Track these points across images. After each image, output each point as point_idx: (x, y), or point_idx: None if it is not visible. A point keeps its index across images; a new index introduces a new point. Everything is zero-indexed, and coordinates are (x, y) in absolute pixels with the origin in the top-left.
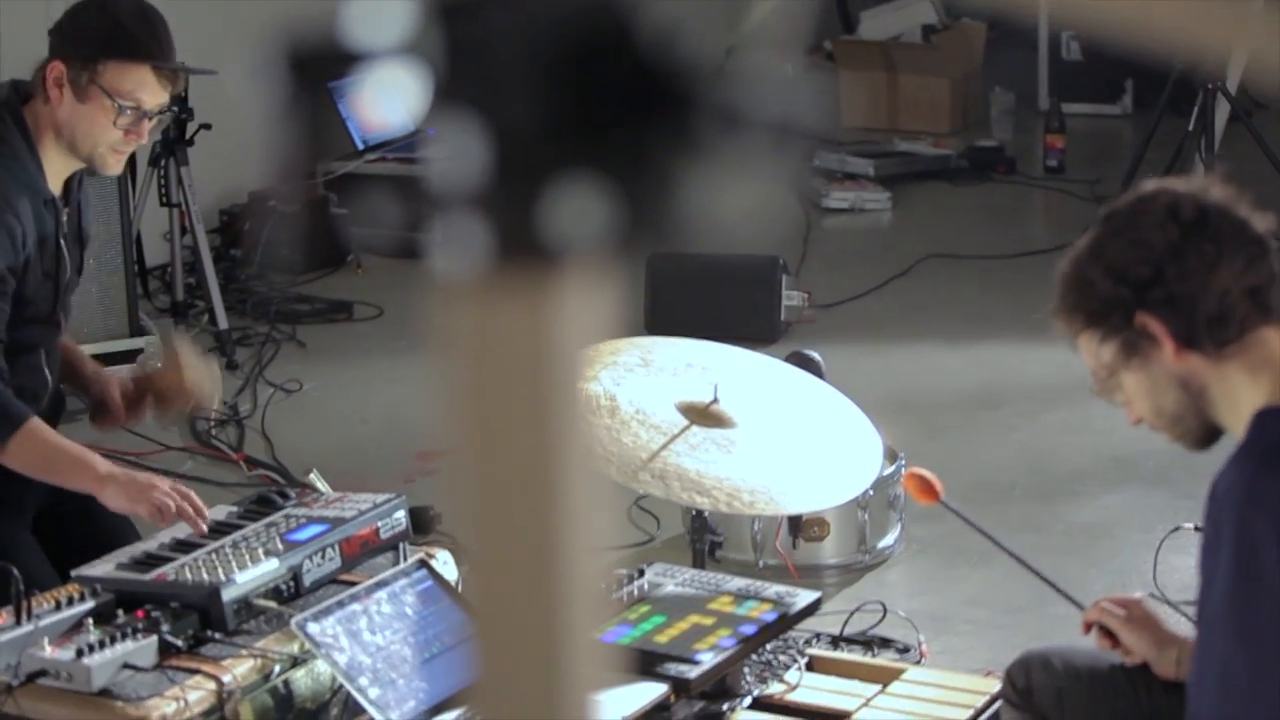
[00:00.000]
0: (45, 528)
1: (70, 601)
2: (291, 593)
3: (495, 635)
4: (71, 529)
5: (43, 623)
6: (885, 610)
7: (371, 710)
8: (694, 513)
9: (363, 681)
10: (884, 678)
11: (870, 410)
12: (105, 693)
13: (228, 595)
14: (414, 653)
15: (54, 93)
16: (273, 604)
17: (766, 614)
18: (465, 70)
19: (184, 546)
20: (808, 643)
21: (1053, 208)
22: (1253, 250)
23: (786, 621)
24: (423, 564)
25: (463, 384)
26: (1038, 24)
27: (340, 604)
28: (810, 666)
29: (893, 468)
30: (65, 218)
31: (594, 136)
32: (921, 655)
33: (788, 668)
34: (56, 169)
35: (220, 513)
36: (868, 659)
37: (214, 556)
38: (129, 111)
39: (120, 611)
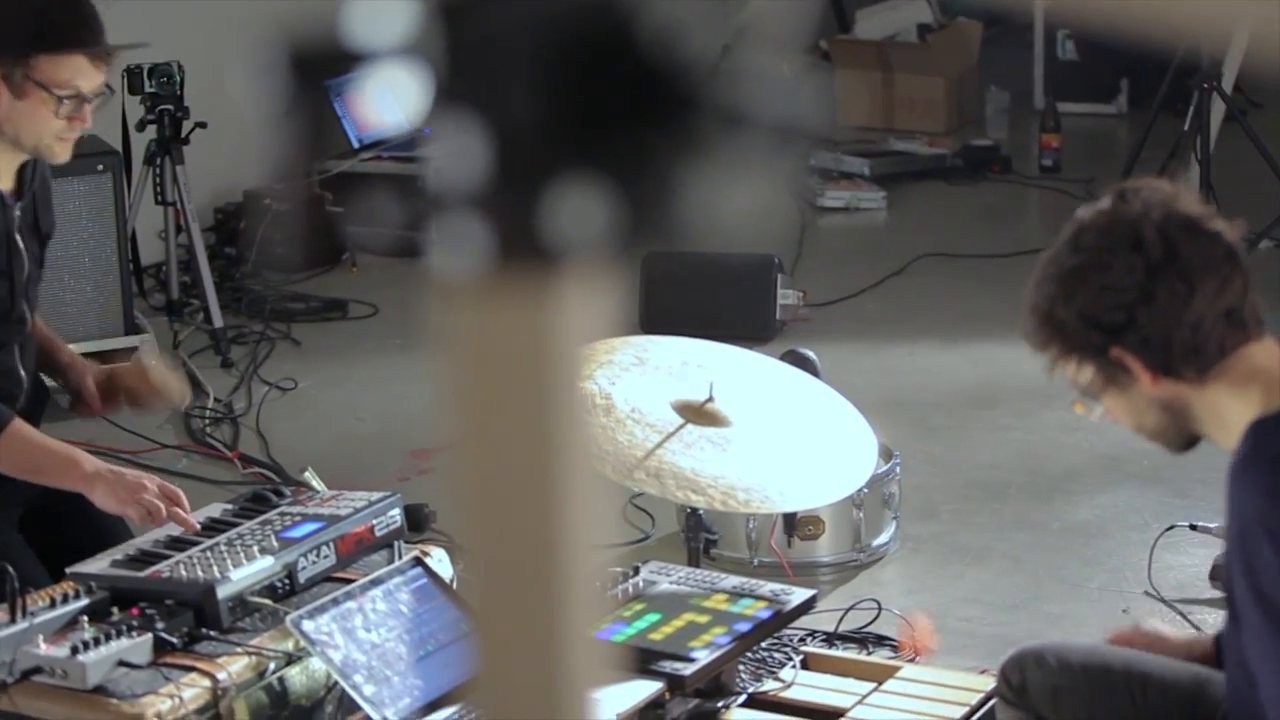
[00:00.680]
0: (38, 527)
1: (65, 599)
2: (286, 590)
3: (494, 632)
4: (64, 528)
5: (37, 620)
6: (880, 608)
7: (366, 707)
8: (689, 511)
9: (358, 679)
10: (879, 675)
11: (865, 409)
12: (100, 690)
13: (223, 593)
14: (409, 650)
15: None
16: (268, 601)
17: (761, 612)
18: (466, 70)
19: (179, 544)
20: (802, 640)
21: (1048, 207)
22: (1224, 271)
23: (781, 619)
24: (418, 562)
25: (462, 383)
26: (1033, 22)
27: (335, 601)
28: (805, 664)
29: (887, 466)
30: (19, 212)
31: (594, 136)
32: (916, 653)
33: (782, 665)
34: (2, 164)
35: (215, 510)
36: (863, 657)
37: (209, 554)
38: (69, 101)
39: (115, 609)
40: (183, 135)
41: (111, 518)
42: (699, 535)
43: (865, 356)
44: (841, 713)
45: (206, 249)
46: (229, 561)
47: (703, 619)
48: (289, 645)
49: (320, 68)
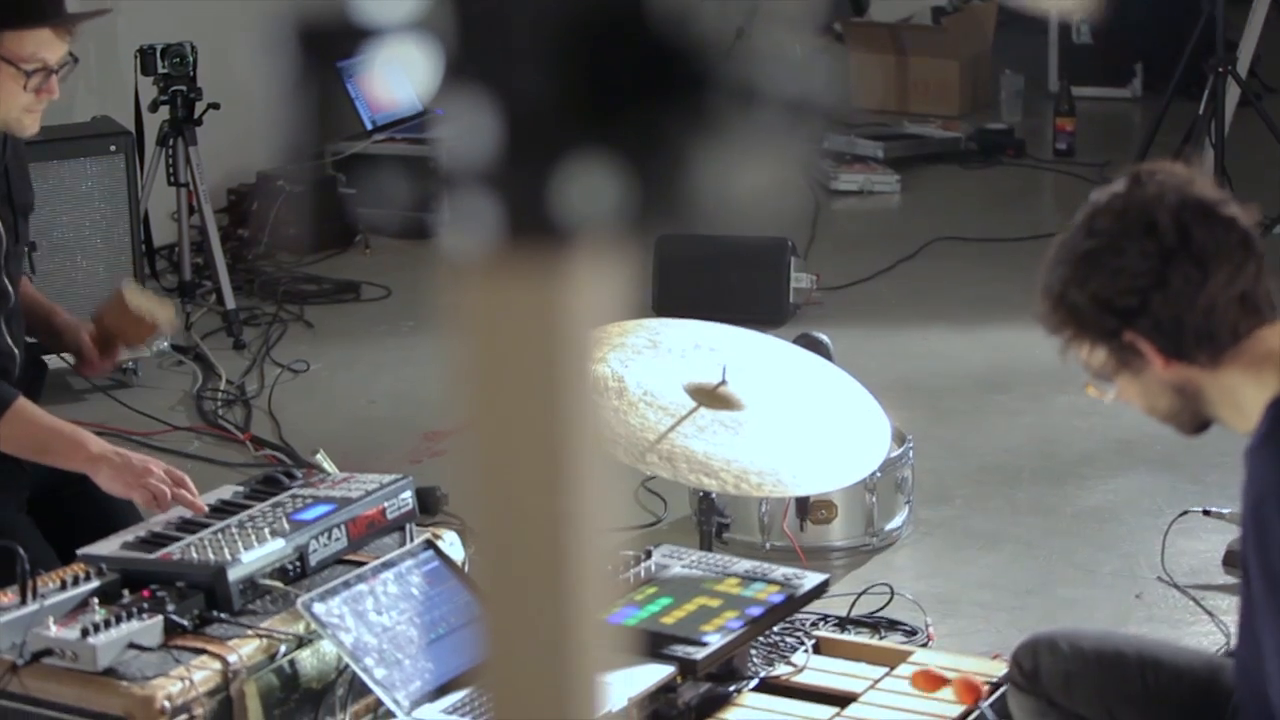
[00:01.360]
0: (47, 510)
1: (75, 581)
2: (297, 573)
3: (504, 616)
4: (73, 511)
5: (48, 602)
6: (892, 593)
7: (377, 690)
8: (701, 494)
9: (369, 662)
10: (891, 660)
11: (878, 393)
12: (110, 672)
13: (233, 575)
14: (420, 633)
15: None
16: (279, 584)
17: (774, 596)
18: (477, 46)
19: (189, 526)
20: (815, 625)
21: (1062, 191)
22: (1238, 256)
23: (794, 603)
24: (429, 544)
25: (473, 363)
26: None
27: (346, 584)
28: (817, 649)
29: (900, 450)
30: None
31: (606, 113)
32: (928, 638)
33: (795, 650)
34: None
35: (226, 492)
36: (875, 641)
37: (220, 536)
38: (36, 74)
39: (125, 591)
40: (195, 116)
41: (121, 500)
42: (711, 519)
43: (878, 340)
44: (854, 697)
45: (219, 230)
46: (240, 544)
47: (715, 603)
48: (300, 628)
49: (331, 45)
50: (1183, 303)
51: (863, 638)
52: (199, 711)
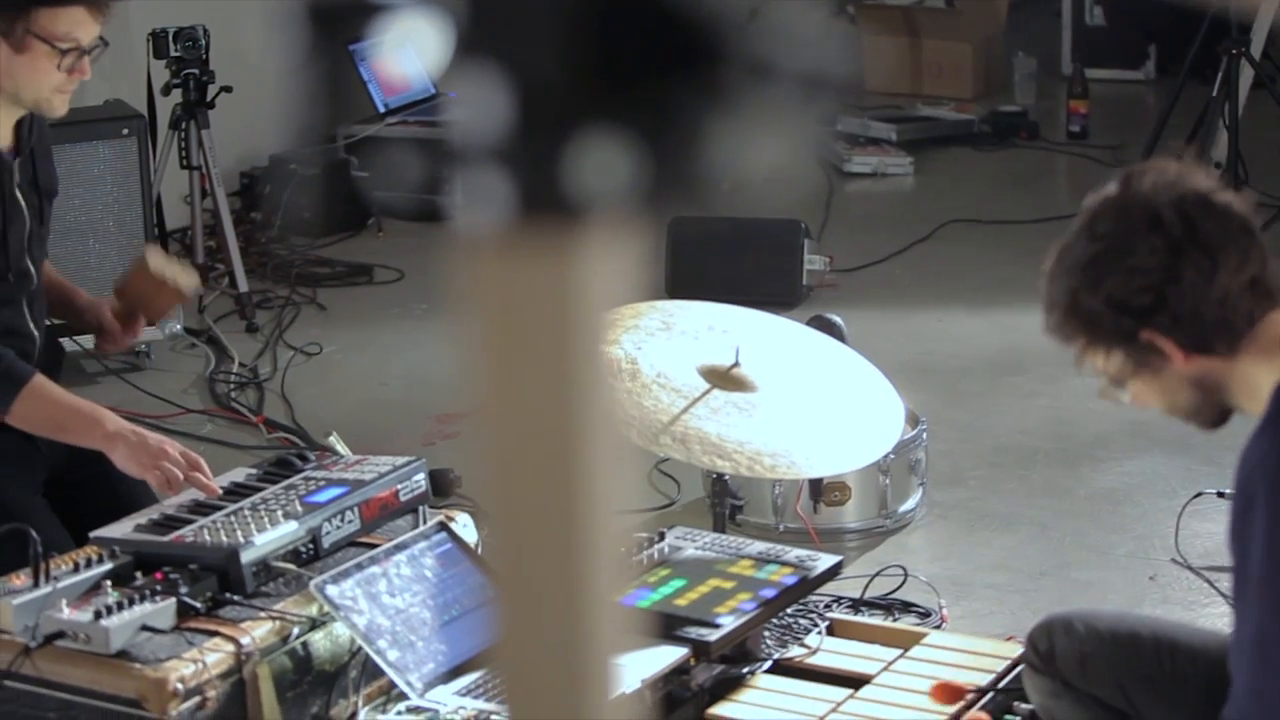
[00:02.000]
0: (62, 492)
1: (88, 563)
2: (310, 555)
3: (518, 598)
4: (88, 493)
5: (61, 584)
6: (906, 575)
7: (390, 672)
8: (715, 476)
9: (382, 644)
10: (905, 642)
11: (892, 375)
12: (123, 654)
13: (246, 557)
14: (433, 615)
15: None
16: (292, 566)
17: (787, 578)
18: (489, 21)
19: (203, 508)
20: (828, 607)
21: (1075, 173)
22: (1243, 241)
23: (807, 585)
24: (442, 527)
25: (486, 342)
26: None
27: (359, 566)
28: (831, 631)
29: (914, 432)
30: (18, 168)
31: (619, 89)
32: (942, 620)
33: (808, 632)
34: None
35: (239, 475)
36: (888, 623)
37: (233, 519)
38: (70, 53)
39: (138, 573)
40: (208, 99)
41: (135, 483)
42: (724, 501)
43: (892, 322)
44: (867, 679)
45: (232, 213)
46: (253, 526)
47: (728, 585)
48: (313, 610)
49: (343, 25)
50: (1198, 294)
51: (876, 620)
52: (212, 694)
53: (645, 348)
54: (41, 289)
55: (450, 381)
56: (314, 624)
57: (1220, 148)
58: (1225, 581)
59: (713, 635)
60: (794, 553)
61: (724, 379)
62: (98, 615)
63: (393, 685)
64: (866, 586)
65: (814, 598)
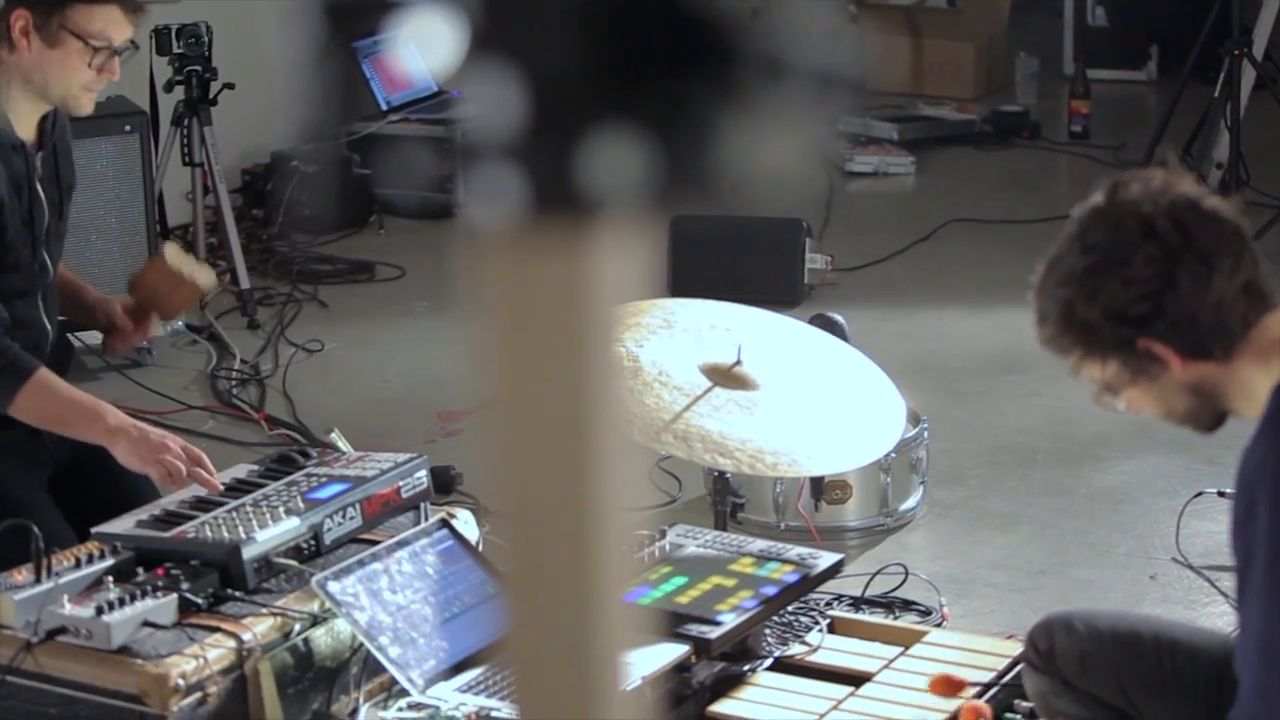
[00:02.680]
0: (65, 488)
1: (90, 559)
2: (312, 551)
3: (526, 593)
4: (91, 489)
5: (63, 580)
6: (907, 573)
7: (392, 669)
8: (716, 474)
9: (383, 640)
10: (905, 640)
11: (893, 373)
12: (125, 650)
13: (248, 553)
14: (434, 612)
15: (20, 41)
16: (293, 562)
17: (788, 576)
18: (502, 17)
19: (204, 504)
20: (829, 605)
21: (1077, 173)
22: (1236, 246)
23: (808, 583)
24: (444, 523)
25: (496, 337)
26: None
27: (361, 563)
28: (831, 628)
29: (915, 431)
30: (40, 162)
31: (632, 86)
32: (943, 618)
33: (809, 629)
34: (24, 114)
35: (241, 471)
36: (889, 621)
37: (234, 515)
38: (101, 51)
39: (140, 569)
40: (210, 96)
41: (138, 479)
42: (726, 499)
43: (893, 321)
44: (868, 677)
45: (234, 210)
46: (255, 522)
47: (729, 582)
48: (314, 606)
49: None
50: (1194, 301)
51: (877, 618)
52: (213, 690)
53: (647, 345)
54: (55, 284)
55: (451, 379)
56: (315, 620)
57: (1222, 148)
58: (1226, 581)
59: (714, 633)
60: (795, 550)
61: (726, 377)
62: (99, 611)
63: (394, 682)
64: (867, 585)
65: (815, 596)
